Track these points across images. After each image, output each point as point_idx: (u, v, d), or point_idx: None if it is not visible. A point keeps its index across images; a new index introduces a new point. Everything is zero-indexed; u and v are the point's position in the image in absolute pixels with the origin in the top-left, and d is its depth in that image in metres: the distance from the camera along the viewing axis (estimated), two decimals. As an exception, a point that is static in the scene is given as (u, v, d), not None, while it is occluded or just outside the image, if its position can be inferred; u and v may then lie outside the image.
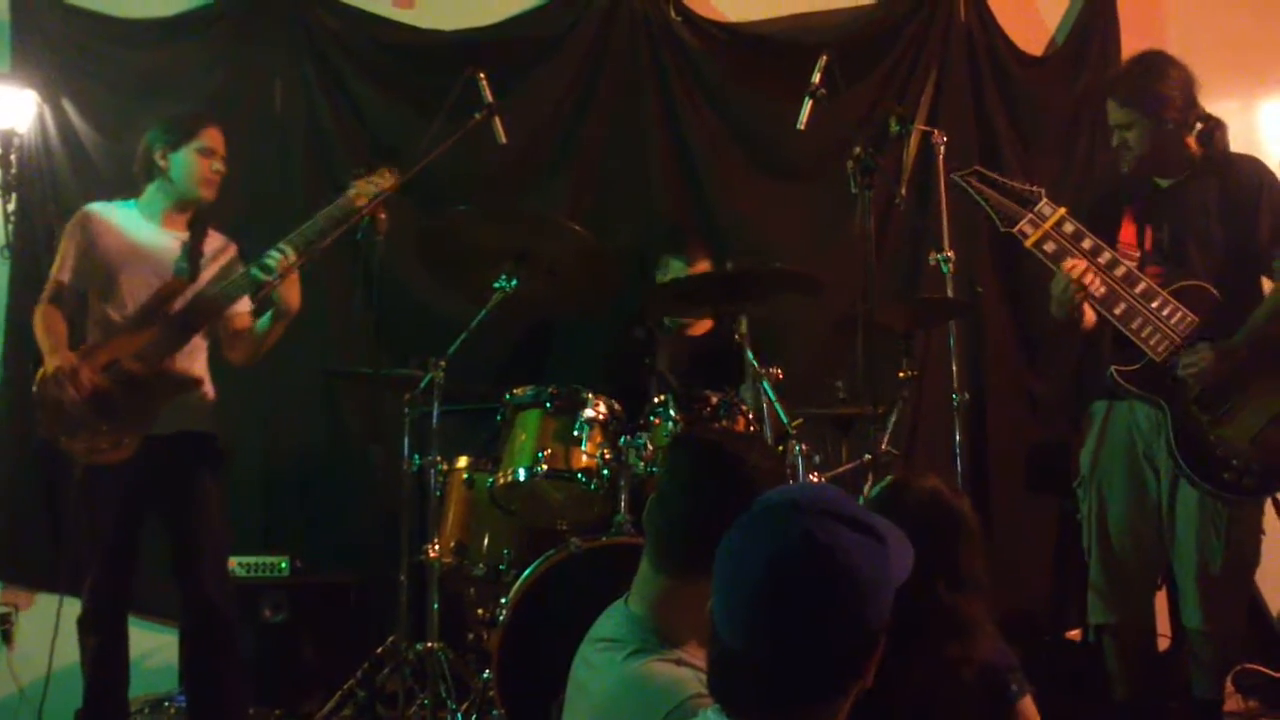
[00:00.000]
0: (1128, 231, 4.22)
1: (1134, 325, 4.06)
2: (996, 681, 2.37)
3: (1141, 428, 4.23)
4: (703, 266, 5.17)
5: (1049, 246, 4.05)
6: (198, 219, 4.52)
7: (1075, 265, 4.03)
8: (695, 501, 2.32)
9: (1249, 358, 4.05)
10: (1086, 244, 4.08)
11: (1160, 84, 4.14)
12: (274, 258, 4.30)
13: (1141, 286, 4.07)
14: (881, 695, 1.74)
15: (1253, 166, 4.31)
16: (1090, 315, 4.28)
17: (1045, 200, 4.07)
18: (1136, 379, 4.13)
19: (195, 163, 4.44)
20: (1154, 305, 4.06)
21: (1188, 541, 4.14)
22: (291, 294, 4.38)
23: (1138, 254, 4.17)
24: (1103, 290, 4.05)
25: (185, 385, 4.36)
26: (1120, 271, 4.07)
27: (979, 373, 5.71)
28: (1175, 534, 4.19)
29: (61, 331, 4.33)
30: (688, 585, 2.23)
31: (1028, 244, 4.06)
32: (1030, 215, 4.05)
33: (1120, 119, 4.19)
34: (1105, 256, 4.08)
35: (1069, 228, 4.07)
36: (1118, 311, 4.06)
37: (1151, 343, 4.06)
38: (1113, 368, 4.15)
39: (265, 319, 4.46)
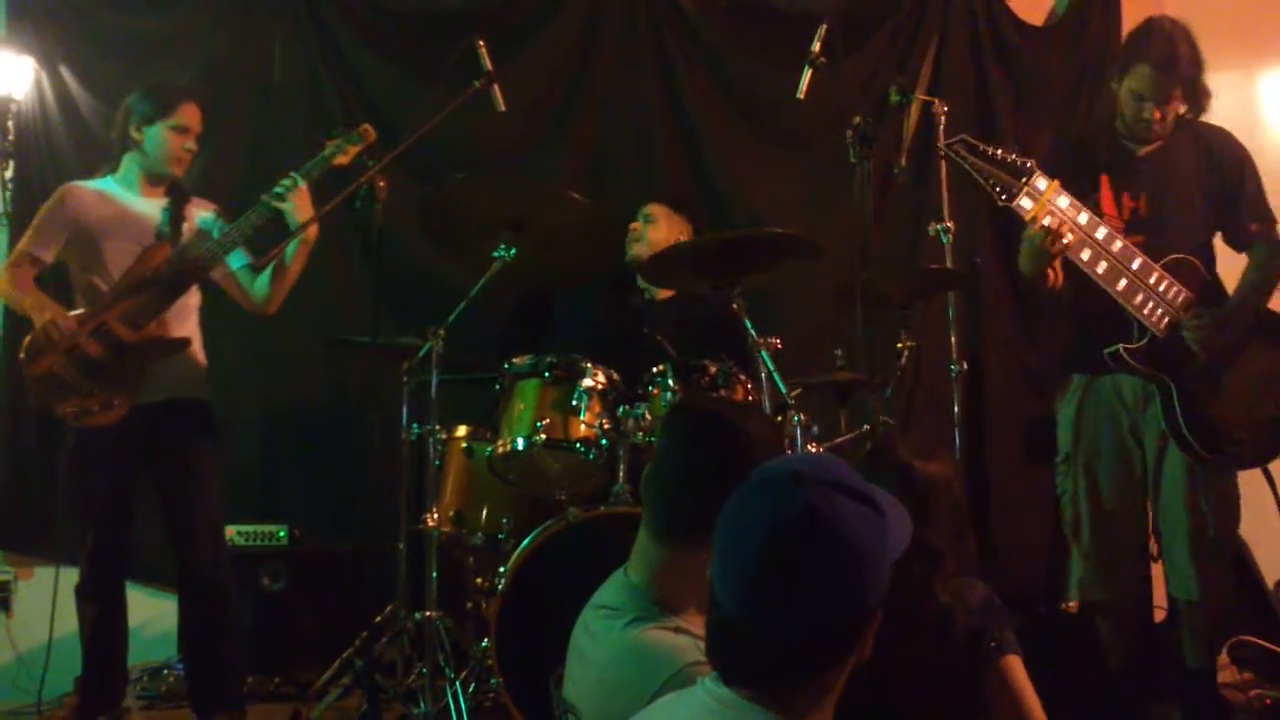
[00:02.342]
0: (1106, 200, 4.19)
1: (1136, 301, 4.04)
2: (978, 637, 2.37)
3: (1127, 402, 4.23)
4: (654, 206, 5.17)
5: (1050, 221, 3.96)
6: (176, 185, 4.53)
7: (1047, 213, 3.95)
8: (692, 471, 2.31)
9: (1240, 330, 4.07)
10: (1083, 218, 4.01)
11: (1205, 75, 4.14)
12: (284, 185, 4.35)
13: (1138, 262, 4.04)
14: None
15: (1232, 139, 4.33)
16: (1058, 276, 4.25)
17: (1039, 172, 3.98)
18: (1143, 357, 4.08)
19: (168, 140, 4.44)
20: (1151, 280, 4.04)
21: (1178, 512, 4.15)
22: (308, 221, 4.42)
23: (1119, 223, 4.15)
24: (1104, 267, 4.01)
25: (174, 347, 4.38)
26: (1117, 247, 4.03)
27: (977, 344, 5.70)
28: (1161, 506, 4.20)
29: (38, 290, 4.34)
30: (685, 554, 2.24)
31: (1028, 218, 3.96)
32: (1026, 188, 3.95)
33: (1162, 96, 4.11)
34: (1102, 232, 4.03)
35: (1064, 200, 4.00)
36: (1120, 288, 4.02)
37: (1154, 319, 4.05)
38: (1120, 346, 4.09)
39: (291, 247, 4.46)
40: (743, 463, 2.14)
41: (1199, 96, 4.18)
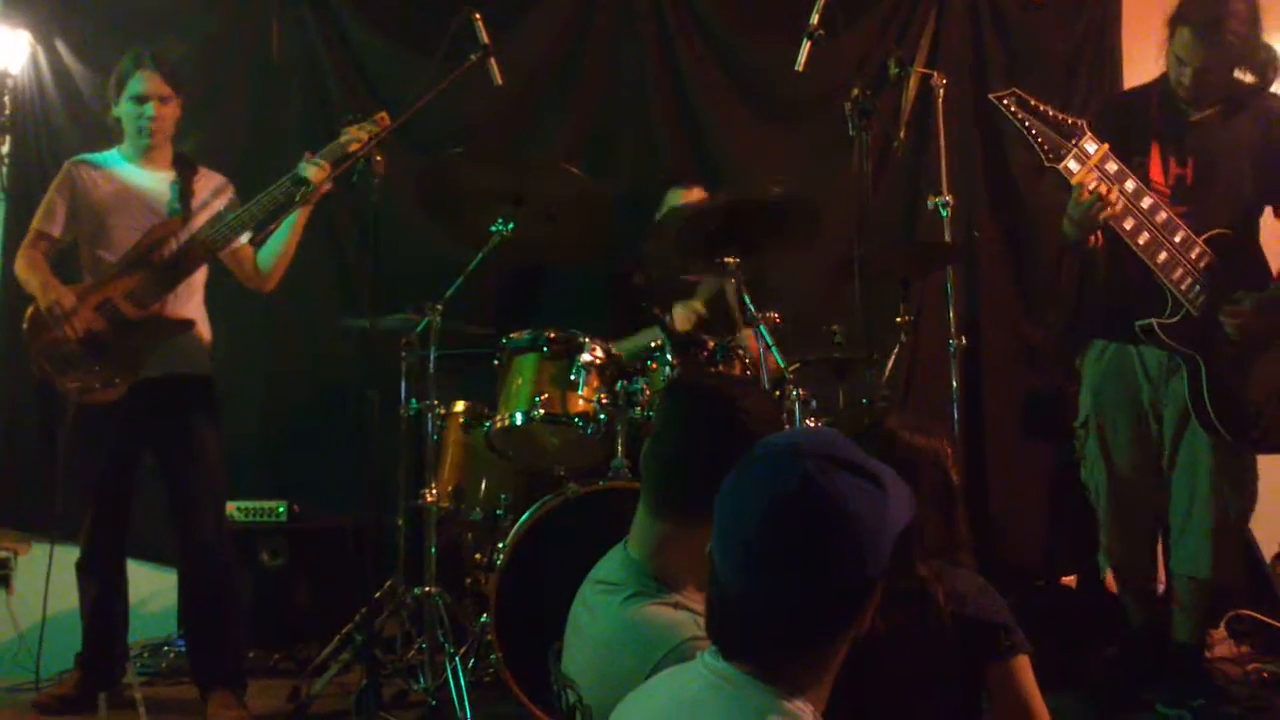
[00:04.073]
0: (1154, 165, 4.08)
1: (1175, 276, 3.96)
2: (983, 635, 2.36)
3: (1150, 374, 4.18)
4: (698, 190, 5.15)
5: (1094, 186, 3.84)
6: (181, 159, 4.51)
7: (1094, 178, 3.84)
8: (690, 447, 2.30)
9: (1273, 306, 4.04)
10: (1129, 185, 3.91)
11: (1260, 40, 4.02)
12: (312, 168, 4.32)
13: (1180, 235, 3.96)
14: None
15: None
16: (1099, 237, 4.17)
17: (1089, 134, 3.85)
18: (1176, 332, 4.02)
19: (129, 113, 4.43)
20: (1193, 255, 3.98)
21: (1200, 490, 4.12)
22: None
23: (1165, 191, 4.06)
24: (1146, 238, 3.92)
25: (177, 328, 4.37)
26: (1161, 218, 3.94)
27: (975, 318, 5.69)
28: (1177, 482, 4.18)
29: (47, 269, 4.33)
30: (684, 530, 2.23)
31: (1074, 181, 3.84)
32: (1075, 150, 3.82)
33: (1200, 60, 3.99)
34: (1147, 201, 3.93)
35: (1112, 166, 3.88)
36: (1160, 259, 3.94)
37: (1191, 295, 3.98)
38: (1154, 321, 4.02)
39: (287, 221, 4.45)
40: (740, 439, 2.13)
41: (1261, 64, 4.07)
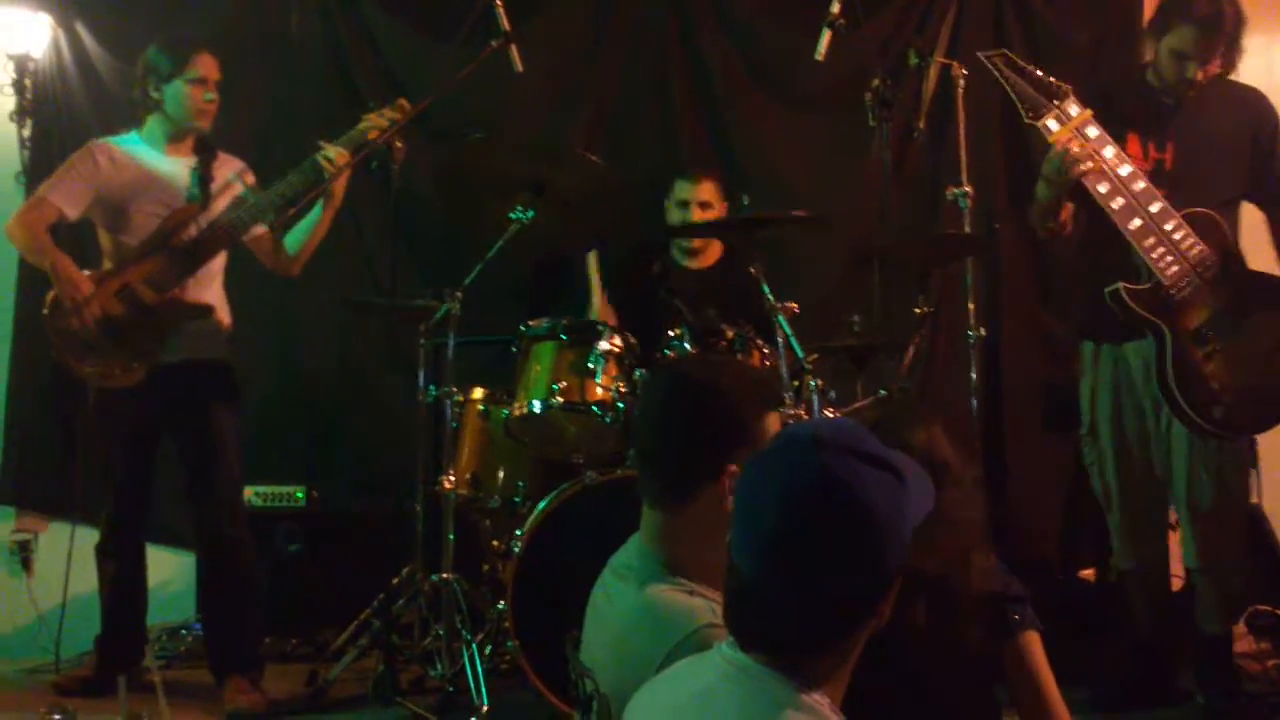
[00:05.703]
0: (1132, 150, 4.09)
1: (1147, 243, 3.94)
2: (998, 609, 2.35)
3: (1133, 369, 4.20)
4: (708, 185, 5.12)
5: (1074, 147, 3.89)
6: (202, 144, 4.51)
7: (1071, 138, 3.89)
8: (669, 435, 2.29)
9: (1254, 291, 4.04)
10: (1109, 151, 3.94)
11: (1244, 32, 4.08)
12: (334, 151, 4.33)
13: (1158, 206, 3.95)
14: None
15: (1266, 99, 4.29)
16: (1068, 220, 4.20)
17: (1072, 98, 3.90)
18: (1142, 299, 4.00)
19: (187, 94, 4.41)
20: (1168, 227, 3.96)
21: (1180, 479, 4.14)
22: (339, 187, 4.43)
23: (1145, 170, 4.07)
24: (1120, 204, 3.93)
25: (196, 313, 4.38)
26: (1139, 187, 3.95)
27: (995, 310, 5.67)
28: (1172, 474, 4.19)
29: (58, 250, 4.30)
30: (679, 518, 2.22)
31: (1051, 139, 3.88)
32: (1055, 110, 3.88)
33: (1206, 56, 4.05)
34: (1126, 169, 3.95)
35: (1093, 131, 3.92)
36: (1133, 226, 3.93)
37: (1162, 265, 3.96)
38: (1121, 285, 4.01)
39: (316, 210, 4.46)
40: (718, 420, 2.14)
41: (1235, 55, 4.12)
